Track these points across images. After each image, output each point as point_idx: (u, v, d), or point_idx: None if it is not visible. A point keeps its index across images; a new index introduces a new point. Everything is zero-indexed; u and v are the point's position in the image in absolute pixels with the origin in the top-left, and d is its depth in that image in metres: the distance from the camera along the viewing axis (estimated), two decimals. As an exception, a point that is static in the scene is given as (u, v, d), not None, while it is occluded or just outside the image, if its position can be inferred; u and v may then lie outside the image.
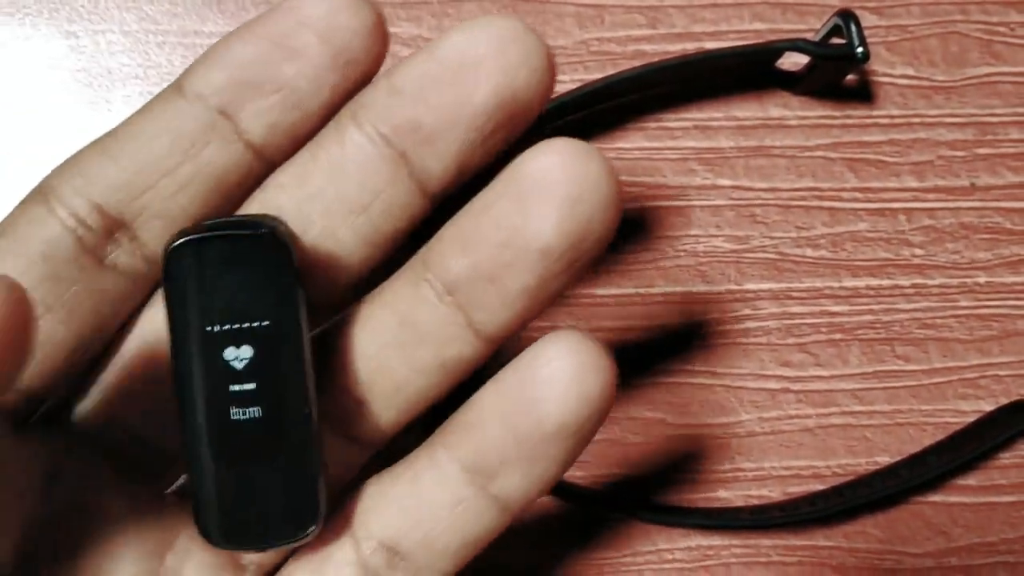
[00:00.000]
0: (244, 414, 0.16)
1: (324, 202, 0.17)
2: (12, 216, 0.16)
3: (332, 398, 0.18)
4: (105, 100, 0.25)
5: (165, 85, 0.25)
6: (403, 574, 0.18)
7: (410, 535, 0.17)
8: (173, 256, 0.15)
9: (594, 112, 0.26)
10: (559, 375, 0.16)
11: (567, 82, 0.26)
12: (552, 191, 0.16)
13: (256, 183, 0.17)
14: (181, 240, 0.15)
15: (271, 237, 0.16)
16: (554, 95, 0.25)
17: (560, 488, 0.25)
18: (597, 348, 0.17)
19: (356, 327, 0.18)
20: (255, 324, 0.16)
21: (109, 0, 0.25)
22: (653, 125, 0.26)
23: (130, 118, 0.17)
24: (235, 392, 0.16)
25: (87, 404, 0.17)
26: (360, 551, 0.18)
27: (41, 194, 0.16)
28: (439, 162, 0.17)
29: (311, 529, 0.17)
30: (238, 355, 0.16)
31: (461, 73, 0.16)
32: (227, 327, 0.16)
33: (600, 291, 0.26)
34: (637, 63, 0.26)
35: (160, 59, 0.25)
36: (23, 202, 0.17)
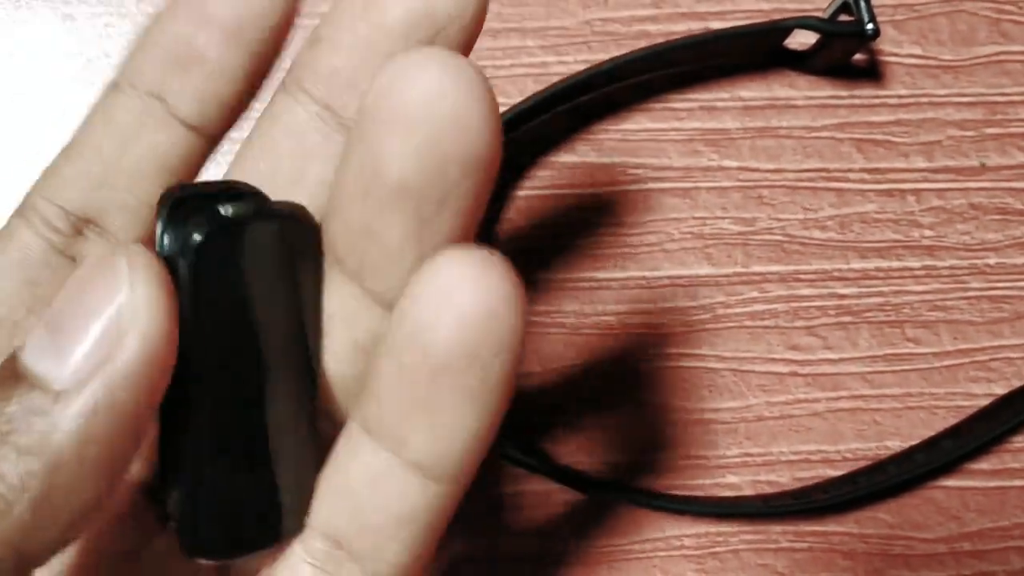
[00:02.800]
0: (230, 416, 0.14)
1: (258, 177, 0.16)
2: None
3: None
4: (103, 83, 0.25)
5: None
6: (351, 565, 0.16)
7: (343, 520, 0.15)
8: (198, 251, 0.13)
9: (601, 93, 0.25)
10: (440, 296, 0.13)
11: (571, 63, 0.26)
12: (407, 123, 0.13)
13: (202, 162, 0.17)
14: (202, 232, 0.13)
15: (289, 223, 0.14)
16: (561, 77, 0.25)
17: (567, 475, 0.24)
18: (488, 260, 0.13)
19: None
20: (275, 316, 0.14)
21: (106, -18, 0.25)
22: (658, 106, 0.26)
23: (85, 116, 0.17)
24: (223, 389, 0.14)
25: None
26: (307, 544, 0.16)
27: (20, 207, 0.17)
28: None
29: (285, 533, 0.16)
30: (245, 345, 0.14)
31: (369, 2, 0.15)
32: (241, 316, 0.14)
33: (605, 275, 0.25)
34: (642, 43, 0.26)
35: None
36: (9, 217, 0.17)
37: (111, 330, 0.12)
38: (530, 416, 0.25)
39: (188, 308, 0.13)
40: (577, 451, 0.25)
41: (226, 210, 0.14)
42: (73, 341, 0.12)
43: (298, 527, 0.16)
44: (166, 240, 0.13)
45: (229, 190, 0.14)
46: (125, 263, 0.12)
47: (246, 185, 0.15)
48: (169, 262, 0.13)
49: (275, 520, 0.15)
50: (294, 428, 0.15)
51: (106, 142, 0.16)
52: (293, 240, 0.14)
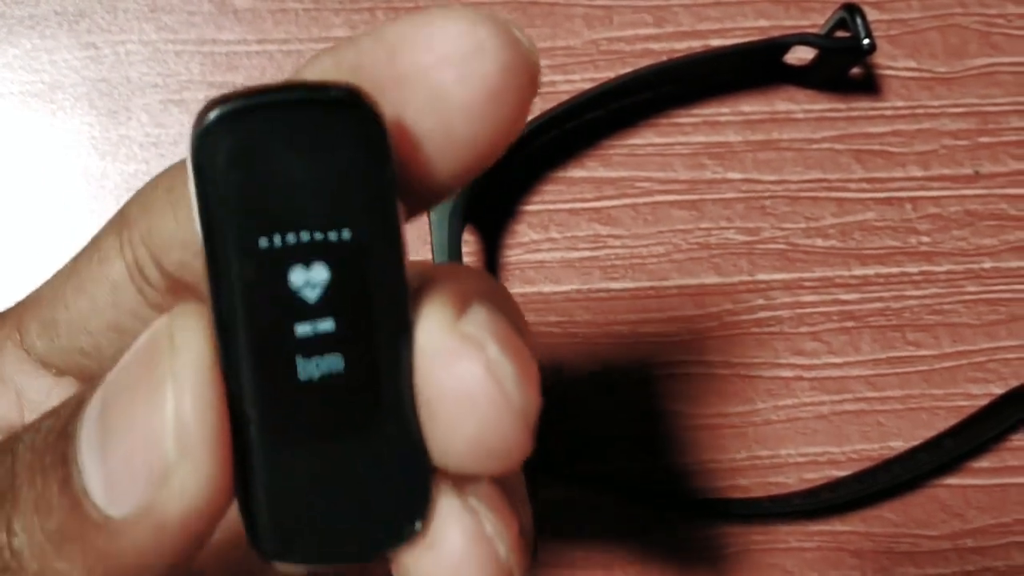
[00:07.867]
0: (318, 368, 0.11)
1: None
2: (96, 235, 0.15)
3: None
4: (125, 109, 0.25)
5: (184, 93, 0.26)
6: None
7: None
8: (205, 137, 0.10)
9: (608, 111, 0.26)
10: None
11: (578, 81, 0.26)
12: None
13: None
14: (216, 112, 0.10)
15: (353, 101, 0.10)
16: (569, 95, 0.26)
17: (577, 479, 0.25)
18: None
19: None
20: (335, 232, 0.11)
21: (128, 11, 0.26)
22: (664, 122, 0.27)
23: None
24: (304, 335, 0.11)
25: None
26: None
27: (116, 223, 0.15)
28: None
29: (417, 523, 0.12)
30: (309, 279, 0.11)
31: None
32: (292, 238, 0.11)
33: (616, 285, 0.26)
34: (645, 61, 0.27)
35: (179, 67, 0.26)
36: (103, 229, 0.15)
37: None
38: (543, 424, 0.26)
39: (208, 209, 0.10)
40: (588, 457, 0.26)
41: (237, 102, 0.10)
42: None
43: (409, 526, 0.12)
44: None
45: (270, 89, 0.11)
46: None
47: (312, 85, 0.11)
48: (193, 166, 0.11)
49: (377, 516, 0.12)
50: (401, 402, 0.12)
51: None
52: (367, 125, 0.11)
